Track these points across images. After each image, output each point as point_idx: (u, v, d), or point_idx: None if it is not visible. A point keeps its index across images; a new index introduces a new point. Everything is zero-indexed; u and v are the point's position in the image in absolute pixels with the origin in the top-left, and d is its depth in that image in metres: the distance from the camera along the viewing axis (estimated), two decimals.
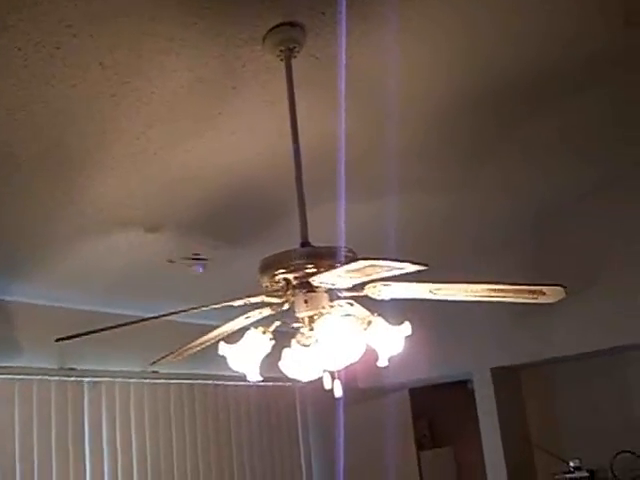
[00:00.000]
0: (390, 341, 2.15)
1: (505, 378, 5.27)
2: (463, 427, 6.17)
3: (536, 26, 2.67)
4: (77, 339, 2.28)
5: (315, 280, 2.02)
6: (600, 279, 4.48)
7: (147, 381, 4.53)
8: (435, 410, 6.77)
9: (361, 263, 1.70)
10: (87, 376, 4.21)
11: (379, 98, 2.92)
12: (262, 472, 5.15)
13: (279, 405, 5.40)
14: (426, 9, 2.43)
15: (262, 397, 5.21)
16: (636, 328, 4.32)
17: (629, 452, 4.76)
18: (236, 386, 4.98)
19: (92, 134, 2.64)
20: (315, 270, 2.05)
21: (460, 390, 5.93)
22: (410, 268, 1.68)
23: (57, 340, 2.27)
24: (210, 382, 4.89)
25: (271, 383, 5.03)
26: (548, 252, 4.73)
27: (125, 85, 2.40)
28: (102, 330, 2.15)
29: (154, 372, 4.46)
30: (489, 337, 5.05)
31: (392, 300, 2.30)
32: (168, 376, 4.61)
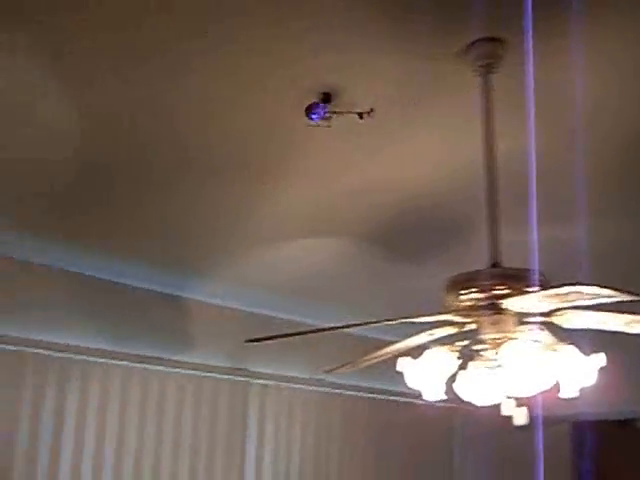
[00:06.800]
0: (582, 372, 2.04)
1: None
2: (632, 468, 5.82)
3: None
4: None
5: (505, 302, 1.95)
6: None
7: (312, 388, 4.57)
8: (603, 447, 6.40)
9: (566, 288, 1.61)
10: (257, 377, 4.33)
11: (570, 119, 2.80)
12: None
13: (436, 425, 5.30)
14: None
15: (420, 416, 5.14)
16: None
17: None
18: (397, 402, 4.93)
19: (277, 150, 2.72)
20: (506, 292, 1.98)
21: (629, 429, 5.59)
22: (622, 297, 1.57)
23: (247, 341, 2.35)
24: (373, 396, 4.88)
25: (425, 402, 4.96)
26: None
27: None
28: (288, 335, 2.19)
29: (319, 380, 4.50)
30: None
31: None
32: (333, 385, 4.63)
